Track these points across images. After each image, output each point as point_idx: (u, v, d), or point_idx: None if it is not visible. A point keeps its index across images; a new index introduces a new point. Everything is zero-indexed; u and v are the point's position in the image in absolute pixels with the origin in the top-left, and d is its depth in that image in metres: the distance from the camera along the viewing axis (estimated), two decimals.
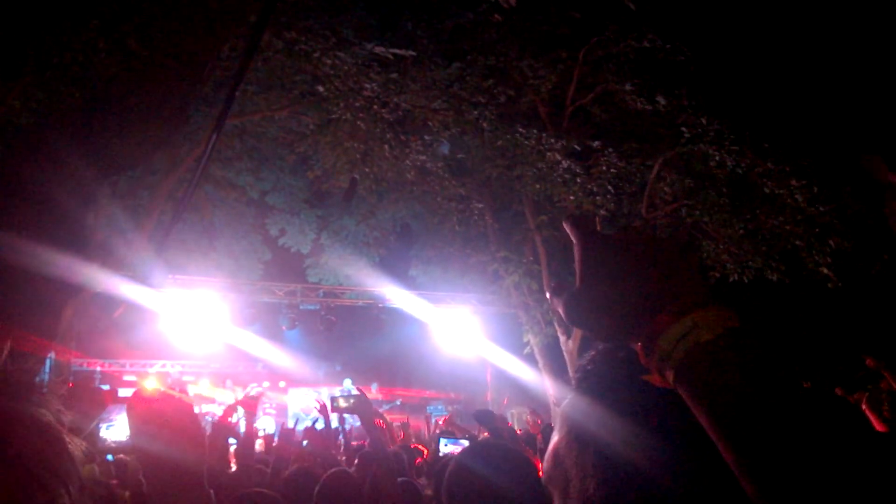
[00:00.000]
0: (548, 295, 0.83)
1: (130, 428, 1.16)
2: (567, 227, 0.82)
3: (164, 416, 1.14)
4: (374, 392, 17.19)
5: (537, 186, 12.08)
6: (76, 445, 0.92)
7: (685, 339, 0.66)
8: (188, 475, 1.15)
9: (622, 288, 0.73)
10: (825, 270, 11.44)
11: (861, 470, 0.56)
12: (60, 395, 1.22)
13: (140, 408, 1.16)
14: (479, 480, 1.77)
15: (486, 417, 5.33)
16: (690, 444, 0.75)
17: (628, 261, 0.75)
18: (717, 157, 11.54)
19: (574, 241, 0.80)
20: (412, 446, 6.74)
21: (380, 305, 14.63)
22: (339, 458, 6.00)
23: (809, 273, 11.79)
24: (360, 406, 3.78)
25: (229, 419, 4.37)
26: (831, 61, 11.95)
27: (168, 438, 1.13)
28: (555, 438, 0.92)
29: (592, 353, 0.91)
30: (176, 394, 1.22)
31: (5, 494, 0.83)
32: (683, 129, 11.70)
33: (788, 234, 11.64)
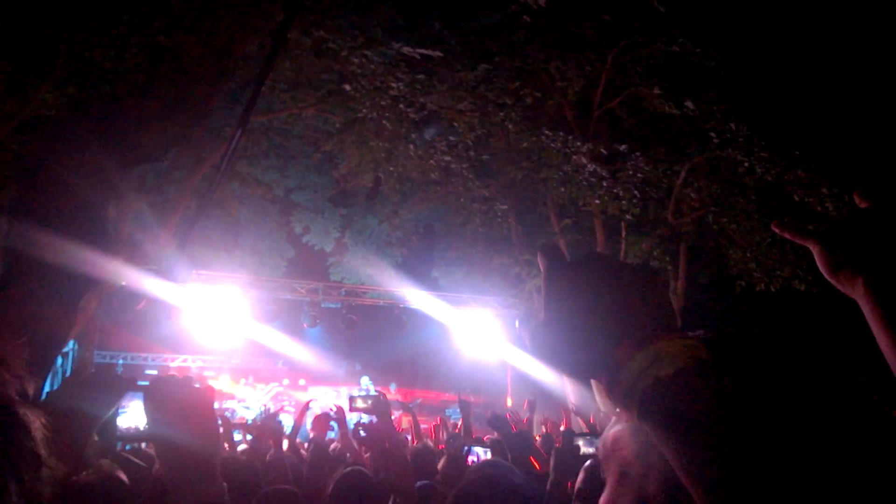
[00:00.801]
0: (516, 325, 0.81)
1: (147, 415, 1.17)
2: (538, 259, 0.79)
3: (180, 405, 1.14)
4: (392, 393, 17.20)
5: (562, 190, 11.98)
6: (33, 418, 0.89)
7: (647, 372, 0.63)
8: (203, 465, 1.15)
9: (585, 318, 0.70)
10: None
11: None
12: (80, 381, 1.21)
13: (157, 395, 1.16)
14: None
15: (499, 423, 5.28)
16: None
17: (592, 289, 0.71)
18: (746, 164, 11.34)
19: (541, 271, 0.76)
20: (439, 447, 6.70)
21: (401, 306, 14.61)
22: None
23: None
24: (378, 407, 3.73)
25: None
26: (863, 68, 11.69)
27: (184, 427, 1.13)
28: (618, 427, 0.89)
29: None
30: (195, 382, 1.22)
31: None
32: (712, 134, 11.52)
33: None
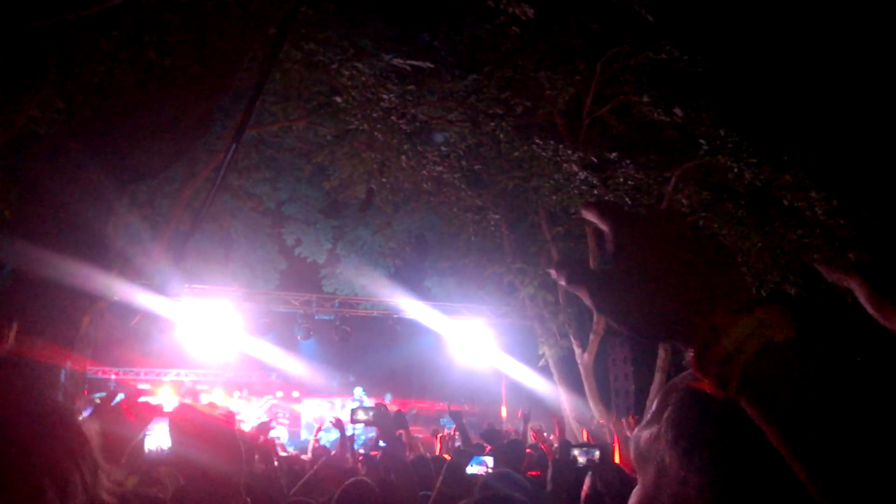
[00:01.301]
0: (553, 273, 0.75)
1: (172, 439, 1.23)
2: (591, 214, 0.75)
3: (204, 430, 1.19)
4: (387, 403, 17.14)
5: (554, 198, 12.03)
6: (90, 427, 0.92)
7: (754, 337, 0.58)
8: (226, 484, 1.18)
9: (668, 278, 0.65)
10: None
11: None
12: (108, 412, 1.26)
13: (182, 421, 1.20)
14: None
15: (490, 436, 5.36)
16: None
17: (672, 248, 0.67)
18: (736, 169, 11.44)
19: (604, 225, 0.72)
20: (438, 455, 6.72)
21: (395, 316, 14.61)
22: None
23: (828, 286, 11.62)
24: (380, 419, 3.74)
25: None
26: (851, 73, 11.84)
27: (207, 450, 1.17)
28: (654, 428, 0.85)
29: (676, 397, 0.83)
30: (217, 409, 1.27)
31: (12, 475, 0.83)
32: (701, 140, 11.61)
33: (807, 247, 11.49)
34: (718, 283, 0.64)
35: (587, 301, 0.71)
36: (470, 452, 3.47)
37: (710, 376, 0.61)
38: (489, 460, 4.59)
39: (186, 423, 1.21)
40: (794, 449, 0.55)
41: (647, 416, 0.88)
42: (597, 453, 3.61)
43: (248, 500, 1.22)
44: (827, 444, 0.53)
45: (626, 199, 11.67)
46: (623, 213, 0.72)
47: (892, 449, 0.51)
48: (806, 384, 0.55)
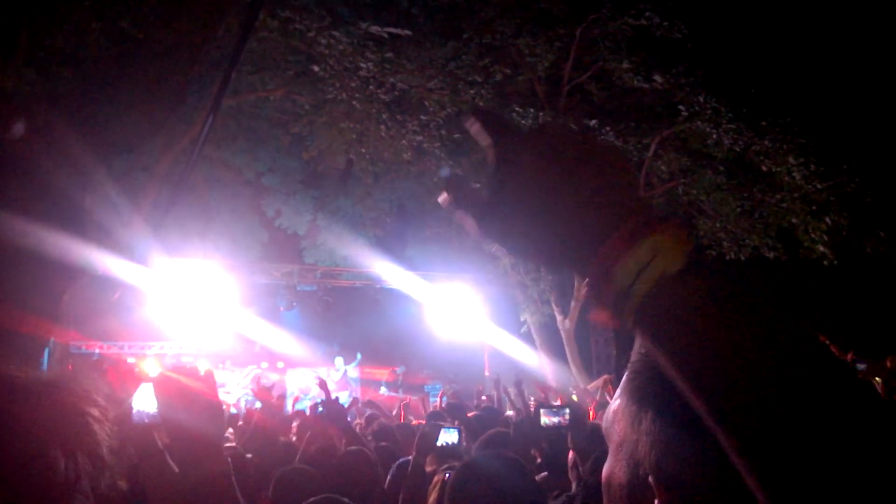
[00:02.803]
0: (442, 196, 0.67)
1: (158, 401, 1.30)
2: (471, 125, 0.67)
3: (185, 394, 1.25)
4: (357, 362, 17.27)
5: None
6: (102, 427, 0.96)
7: (649, 269, 0.55)
8: (209, 444, 1.27)
9: (556, 201, 0.60)
10: (821, 248, 11.48)
11: (863, 444, 0.48)
12: (99, 376, 1.31)
13: (166, 385, 1.28)
14: (482, 493, 1.81)
15: (455, 410, 5.49)
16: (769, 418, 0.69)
17: (559, 165, 0.61)
18: (715, 136, 11.53)
19: (484, 140, 0.66)
20: (414, 423, 6.82)
21: (377, 286, 14.65)
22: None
23: (806, 250, 11.83)
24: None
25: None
26: (829, 40, 11.89)
27: (189, 412, 1.24)
28: (617, 401, 0.85)
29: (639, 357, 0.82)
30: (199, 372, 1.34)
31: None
32: (681, 107, 11.67)
33: (785, 211, 11.67)
34: (612, 203, 0.59)
35: (473, 230, 0.65)
36: (439, 424, 3.58)
37: (606, 308, 0.58)
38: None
39: (169, 387, 1.28)
40: (690, 385, 0.53)
41: (618, 390, 0.87)
42: (567, 413, 3.68)
43: (230, 460, 1.30)
44: (720, 378, 0.51)
45: None
46: (508, 126, 0.65)
47: (781, 375, 0.49)
48: (696, 316, 0.53)
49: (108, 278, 6.79)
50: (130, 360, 15.36)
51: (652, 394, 0.77)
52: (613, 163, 0.62)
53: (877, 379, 6.90)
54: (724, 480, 0.67)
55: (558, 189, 0.60)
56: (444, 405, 8.58)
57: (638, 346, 0.83)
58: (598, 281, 0.58)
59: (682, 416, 0.70)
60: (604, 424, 0.88)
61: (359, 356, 17.15)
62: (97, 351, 14.92)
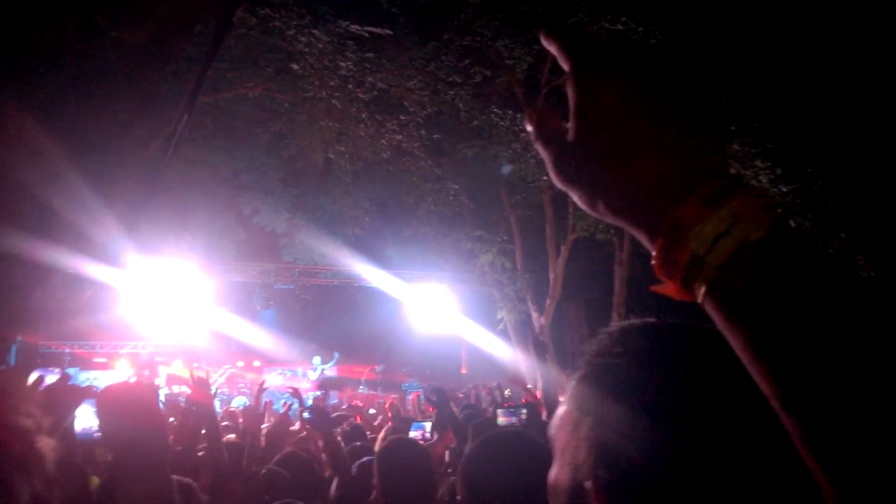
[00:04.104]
0: (527, 125, 0.62)
1: (100, 419, 1.27)
2: (550, 43, 0.60)
3: (128, 410, 1.24)
4: (334, 361, 17.26)
5: (511, 167, 12.16)
6: (46, 444, 0.98)
7: (727, 238, 0.50)
8: (150, 461, 1.24)
9: (637, 147, 0.54)
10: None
11: None
12: (39, 401, 1.30)
13: (109, 401, 1.24)
14: (499, 469, 1.73)
15: (437, 394, 5.45)
16: (702, 427, 0.67)
17: (648, 107, 0.55)
18: None
19: (566, 64, 0.59)
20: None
21: (355, 285, 14.65)
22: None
23: None
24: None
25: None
26: (797, 45, 12.11)
27: (132, 428, 1.22)
28: (563, 407, 0.83)
29: (614, 331, 0.80)
30: (129, 379, 1.31)
31: None
32: None
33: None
34: (697, 160, 0.53)
35: (550, 165, 0.60)
36: (409, 419, 3.62)
37: (673, 279, 0.53)
38: (427, 425, 4.73)
39: (112, 402, 1.27)
40: (764, 365, 0.48)
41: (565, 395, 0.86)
42: (523, 413, 3.73)
43: (175, 478, 1.29)
44: (813, 361, 0.46)
45: None
46: (594, 49, 0.58)
47: (868, 362, 0.44)
48: (781, 290, 0.48)
49: (79, 278, 6.73)
50: (101, 359, 15.18)
51: (592, 401, 0.77)
52: (705, 117, 0.56)
53: None
54: (659, 489, 0.69)
55: (642, 134, 0.54)
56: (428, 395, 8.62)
57: (589, 350, 0.82)
58: (669, 243, 0.52)
59: (619, 425, 0.71)
60: (550, 429, 0.87)
61: (336, 356, 17.14)
62: (67, 351, 14.75)
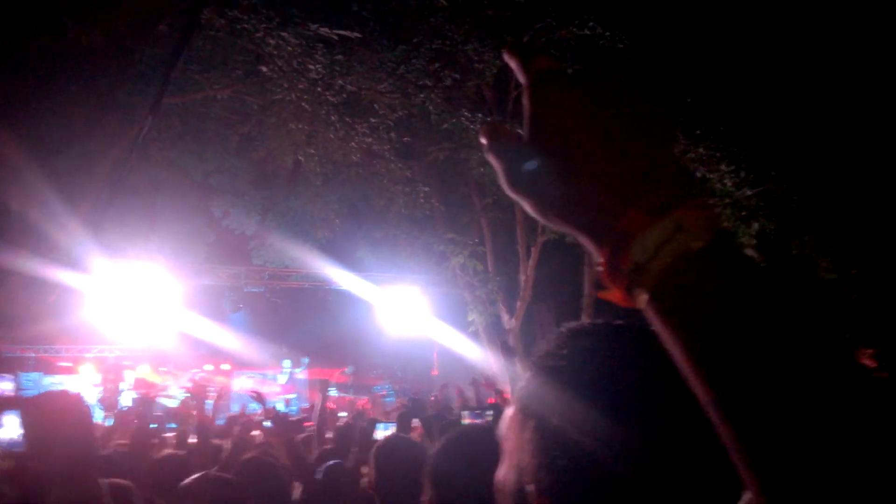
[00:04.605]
0: (482, 138, 0.64)
1: (24, 428, 1.27)
2: (510, 58, 0.63)
3: (53, 416, 1.23)
4: (303, 367, 17.21)
5: (482, 170, 12.24)
6: None
7: (668, 246, 0.51)
8: (77, 466, 1.22)
9: (587, 156, 0.56)
10: (750, 251, 11.97)
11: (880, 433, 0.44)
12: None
13: (32, 410, 1.24)
14: (466, 465, 1.69)
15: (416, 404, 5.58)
16: (659, 426, 0.69)
17: (599, 117, 0.56)
18: None
19: (522, 78, 0.61)
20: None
21: (326, 288, 14.62)
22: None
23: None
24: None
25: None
26: (762, 49, 12.39)
27: (57, 435, 1.21)
28: (511, 409, 0.85)
29: (561, 333, 0.82)
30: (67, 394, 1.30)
31: None
32: None
33: (717, 216, 12.10)
34: (644, 170, 0.55)
35: (501, 176, 0.62)
36: (375, 420, 3.69)
37: (617, 285, 0.55)
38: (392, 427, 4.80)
39: (37, 411, 1.25)
40: (701, 370, 0.49)
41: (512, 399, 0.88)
42: (489, 414, 3.81)
43: (105, 481, 1.28)
44: (746, 366, 0.47)
45: None
46: (549, 64, 0.61)
47: (799, 368, 0.46)
48: (717, 298, 0.49)
49: (42, 281, 6.65)
50: (66, 363, 14.94)
51: (536, 404, 0.77)
52: (657, 127, 0.57)
53: None
54: (596, 493, 0.70)
55: (592, 144, 0.56)
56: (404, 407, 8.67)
57: (537, 351, 0.83)
58: (614, 251, 0.54)
59: (558, 428, 0.73)
60: (500, 430, 0.88)
61: (305, 361, 17.09)
62: (32, 356, 14.51)
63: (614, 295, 0.55)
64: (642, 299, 0.53)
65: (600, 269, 0.56)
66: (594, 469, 0.69)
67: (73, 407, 1.26)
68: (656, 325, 0.53)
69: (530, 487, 0.75)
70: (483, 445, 1.83)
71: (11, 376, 13.55)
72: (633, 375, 0.73)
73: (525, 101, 0.60)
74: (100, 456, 1.23)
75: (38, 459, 1.24)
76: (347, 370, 17.41)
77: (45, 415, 1.23)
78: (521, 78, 0.61)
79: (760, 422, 0.46)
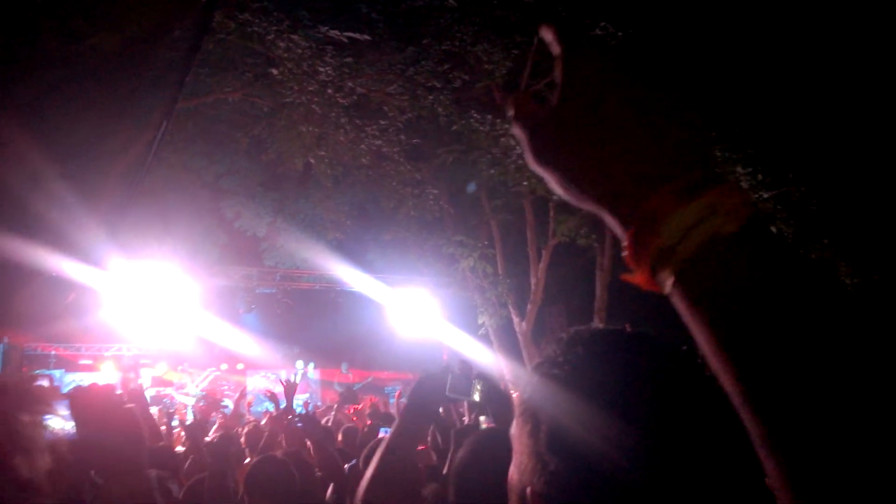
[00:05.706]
0: (508, 110, 0.63)
1: (74, 420, 1.31)
2: (545, 33, 0.62)
3: (101, 409, 1.29)
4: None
5: (492, 172, 12.28)
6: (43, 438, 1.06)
7: (699, 229, 0.49)
8: (127, 459, 1.29)
9: (617, 131, 0.54)
10: None
11: None
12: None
13: (80, 402, 1.31)
14: (492, 469, 1.71)
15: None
16: (652, 431, 0.68)
17: (631, 94, 0.55)
18: None
19: (555, 50, 0.60)
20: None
21: (337, 289, 14.72)
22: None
23: None
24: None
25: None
26: (778, 51, 12.34)
27: (106, 428, 1.27)
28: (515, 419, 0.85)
29: (561, 339, 0.81)
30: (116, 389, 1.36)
31: None
32: None
33: (752, 200, 11.96)
34: (675, 150, 0.53)
35: (524, 146, 0.60)
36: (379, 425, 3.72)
37: (642, 268, 0.53)
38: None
39: (84, 403, 1.31)
40: (729, 358, 0.48)
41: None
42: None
43: (154, 472, 1.33)
44: (760, 349, 0.46)
45: None
46: (585, 39, 0.60)
47: (834, 362, 0.44)
48: (749, 286, 0.48)
49: (62, 280, 6.76)
50: (86, 361, 15.10)
51: (533, 408, 0.78)
52: (690, 111, 0.55)
53: None
54: (587, 497, 0.71)
55: (623, 118, 0.54)
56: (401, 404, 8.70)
57: (540, 357, 0.84)
58: (640, 234, 0.52)
59: (552, 434, 0.73)
60: (511, 431, 0.88)
61: (311, 364, 17.22)
62: (53, 353, 14.71)
63: (639, 278, 0.54)
64: (668, 283, 0.51)
65: (625, 250, 0.54)
66: (586, 473, 0.70)
67: (119, 401, 1.32)
68: (681, 310, 0.51)
69: (528, 490, 0.77)
70: (507, 451, 1.83)
71: (51, 373, 13.70)
72: (628, 382, 0.72)
73: (556, 70, 0.59)
74: (148, 448, 1.27)
75: (90, 450, 1.29)
76: (343, 369, 17.51)
77: (93, 407, 1.30)
78: (556, 49, 0.60)
79: (791, 418, 0.44)
